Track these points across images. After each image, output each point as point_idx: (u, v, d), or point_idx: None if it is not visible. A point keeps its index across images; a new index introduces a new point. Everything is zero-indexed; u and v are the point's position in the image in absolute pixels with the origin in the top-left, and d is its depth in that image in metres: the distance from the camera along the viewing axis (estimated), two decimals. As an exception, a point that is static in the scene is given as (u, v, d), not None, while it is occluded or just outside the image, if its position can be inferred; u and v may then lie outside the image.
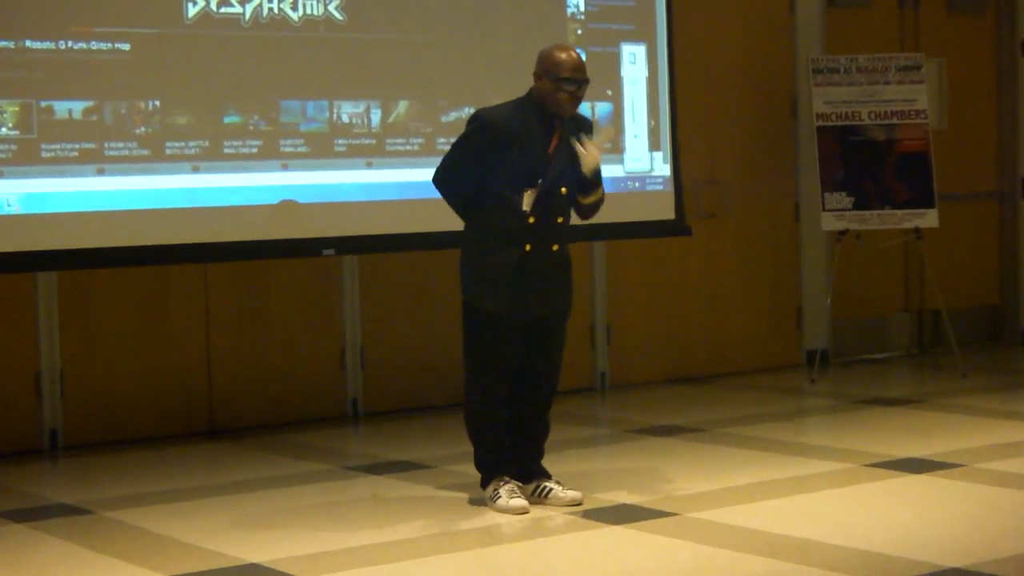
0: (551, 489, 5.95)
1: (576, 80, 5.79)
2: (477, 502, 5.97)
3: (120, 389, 7.62)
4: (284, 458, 7.15)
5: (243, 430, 7.85)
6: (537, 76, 5.86)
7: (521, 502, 5.83)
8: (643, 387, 9.15)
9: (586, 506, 5.89)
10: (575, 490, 5.97)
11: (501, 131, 5.80)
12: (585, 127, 5.98)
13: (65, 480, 7.00)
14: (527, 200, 5.79)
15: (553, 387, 6.06)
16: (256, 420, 7.96)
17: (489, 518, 5.77)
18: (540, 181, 5.81)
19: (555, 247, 5.92)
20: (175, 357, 7.77)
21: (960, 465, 6.55)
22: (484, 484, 5.97)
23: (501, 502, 5.83)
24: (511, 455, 5.99)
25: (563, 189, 5.88)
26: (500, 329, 5.85)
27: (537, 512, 5.82)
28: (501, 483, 5.90)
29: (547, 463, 6.07)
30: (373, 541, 5.45)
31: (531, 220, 5.82)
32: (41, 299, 7.43)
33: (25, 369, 7.42)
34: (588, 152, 5.86)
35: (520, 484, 5.94)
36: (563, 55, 5.82)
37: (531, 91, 5.90)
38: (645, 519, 5.68)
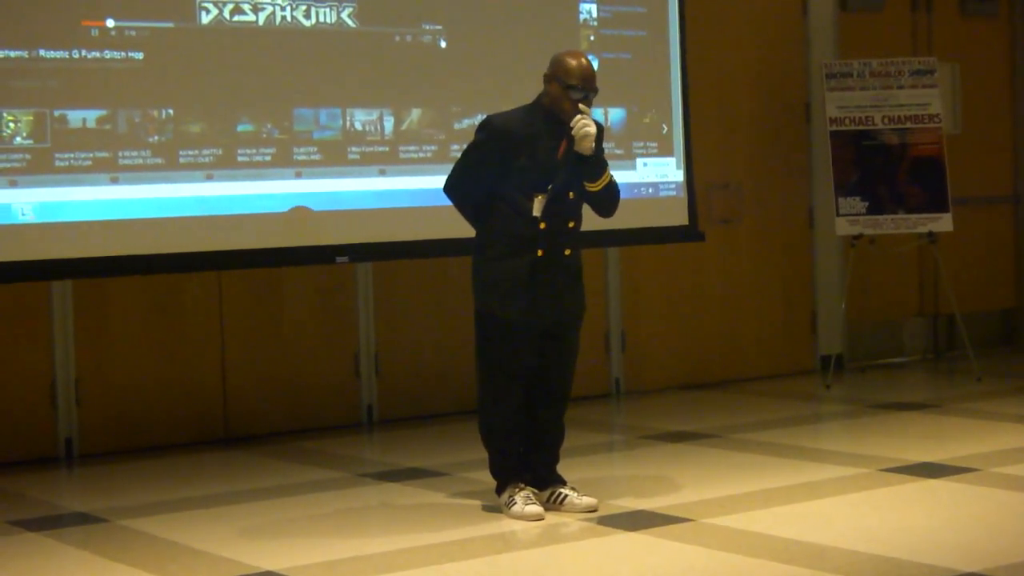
0: (566, 495, 5.95)
1: (583, 89, 5.79)
2: (492, 509, 5.97)
3: (135, 397, 7.63)
4: (299, 465, 7.15)
5: (258, 438, 7.86)
6: (547, 80, 5.86)
7: (537, 508, 5.83)
8: (658, 393, 9.14)
9: (601, 512, 5.89)
10: (590, 496, 5.96)
11: (511, 137, 5.80)
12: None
13: (80, 488, 7.01)
14: (537, 206, 5.79)
15: (567, 392, 6.05)
16: (271, 427, 7.97)
17: (504, 525, 5.77)
18: (550, 187, 5.81)
19: (567, 252, 5.91)
20: (190, 365, 7.78)
21: (975, 469, 6.53)
22: (499, 491, 5.97)
23: (516, 508, 5.83)
24: (526, 461, 5.99)
25: (571, 194, 5.88)
26: (513, 335, 5.85)
27: (552, 518, 5.81)
28: (516, 490, 5.90)
29: (562, 469, 6.07)
30: (388, 548, 5.45)
31: (542, 225, 5.81)
32: (56, 308, 7.44)
33: (40, 378, 7.44)
34: (580, 125, 5.75)
35: (535, 490, 5.94)
36: (574, 62, 5.81)
37: (540, 96, 5.90)
38: (660, 525, 5.68)
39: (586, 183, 5.90)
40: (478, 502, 6.12)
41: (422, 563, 5.24)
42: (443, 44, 7.82)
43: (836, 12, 9.95)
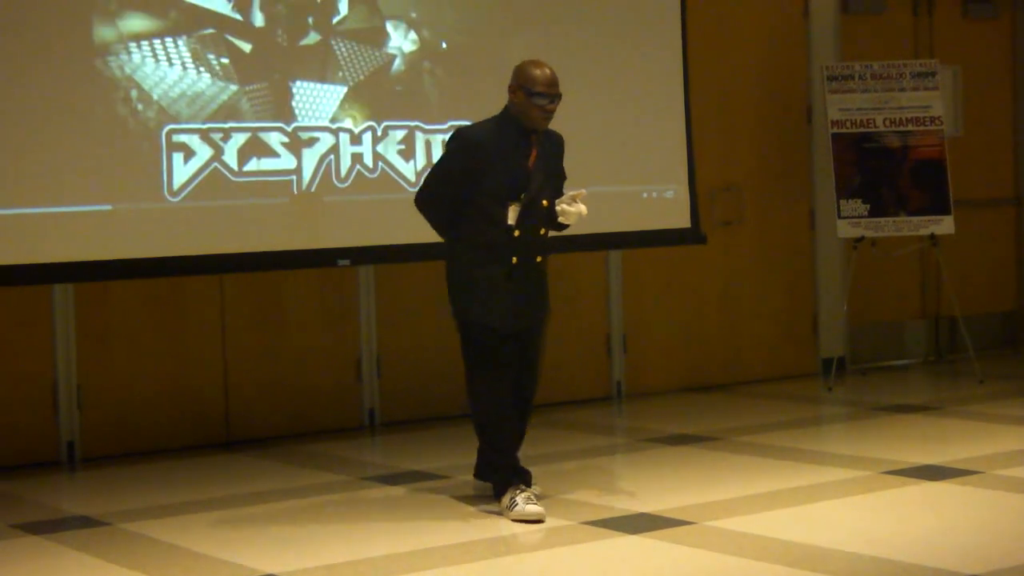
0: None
1: (548, 95, 5.88)
2: (494, 512, 5.97)
3: (137, 401, 7.63)
4: (300, 469, 7.16)
5: (259, 441, 7.86)
6: (512, 89, 5.97)
7: (538, 508, 5.84)
8: (659, 396, 9.14)
9: (603, 515, 5.89)
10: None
11: (482, 148, 5.92)
12: (556, 143, 6.13)
13: (82, 492, 7.01)
14: (512, 214, 5.92)
15: (534, 394, 6.20)
16: (272, 431, 7.97)
17: (505, 527, 5.77)
18: (523, 195, 5.90)
19: (539, 259, 6.05)
20: (192, 368, 7.78)
21: (978, 472, 6.53)
22: (499, 494, 5.97)
23: (518, 509, 5.84)
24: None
25: (544, 202, 5.98)
26: (495, 338, 5.96)
27: (554, 521, 5.82)
28: (517, 491, 5.91)
29: (564, 473, 6.09)
30: (389, 551, 5.46)
31: (516, 233, 5.93)
32: (58, 311, 7.44)
33: (42, 381, 7.44)
34: (571, 213, 6.01)
35: (536, 492, 5.96)
36: (537, 71, 5.95)
37: (507, 107, 6.00)
38: (662, 528, 5.68)
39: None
40: (479, 505, 6.12)
41: (423, 566, 5.24)
42: (449, 51, 7.81)
43: (837, 14, 9.95)
